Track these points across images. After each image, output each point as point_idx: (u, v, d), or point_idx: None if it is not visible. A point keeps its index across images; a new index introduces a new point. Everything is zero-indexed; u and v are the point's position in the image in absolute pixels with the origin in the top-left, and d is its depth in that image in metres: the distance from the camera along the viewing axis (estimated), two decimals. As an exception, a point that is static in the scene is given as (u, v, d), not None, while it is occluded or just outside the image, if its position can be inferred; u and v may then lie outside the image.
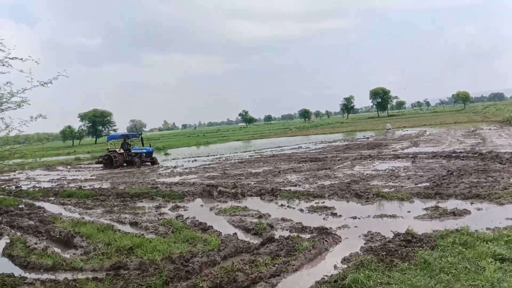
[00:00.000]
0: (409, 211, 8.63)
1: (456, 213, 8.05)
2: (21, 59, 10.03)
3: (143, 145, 29.09)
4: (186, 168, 22.04)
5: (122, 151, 27.34)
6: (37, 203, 13.75)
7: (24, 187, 18.75)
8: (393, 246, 6.10)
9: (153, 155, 27.88)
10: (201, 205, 11.54)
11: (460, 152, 17.52)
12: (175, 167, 23.59)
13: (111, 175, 22.05)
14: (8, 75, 10.18)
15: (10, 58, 9.94)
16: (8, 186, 20.01)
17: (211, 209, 10.72)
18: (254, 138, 57.74)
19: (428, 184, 11.29)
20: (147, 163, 26.74)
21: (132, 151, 27.44)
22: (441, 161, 15.62)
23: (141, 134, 31.65)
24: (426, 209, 8.64)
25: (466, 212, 8.13)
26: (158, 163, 26.78)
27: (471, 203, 8.82)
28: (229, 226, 8.80)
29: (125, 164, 26.93)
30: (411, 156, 18.03)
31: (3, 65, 9.94)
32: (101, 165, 27.37)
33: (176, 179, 17.56)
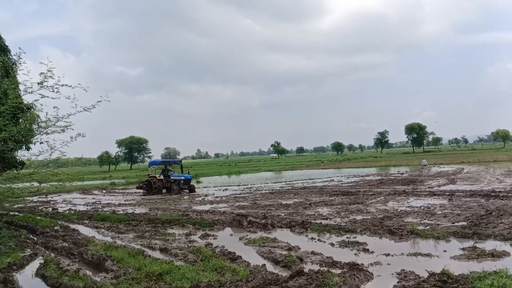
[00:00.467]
0: (445, 251, 8.32)
1: (494, 255, 7.71)
2: (70, 86, 10.53)
3: (182, 172, 29.27)
4: (217, 197, 22.16)
5: (162, 177, 27.55)
6: (72, 226, 14.10)
7: (60, 210, 19.29)
8: (428, 286, 5.88)
9: (191, 183, 27.92)
10: (231, 235, 11.52)
11: (500, 192, 16.85)
12: (206, 195, 23.77)
13: (144, 200, 22.40)
14: (54, 101, 10.68)
15: (60, 85, 10.44)
16: (45, 207, 20.64)
17: (240, 239, 10.68)
18: (286, 170, 57.66)
19: (465, 223, 10.88)
20: (185, 190, 26.74)
21: (171, 177, 27.52)
22: (480, 200, 15.07)
23: (181, 161, 31.89)
24: (463, 249, 8.31)
25: (505, 253, 7.77)
26: (195, 191, 26.68)
27: (511, 245, 8.44)
28: (258, 257, 8.72)
29: (164, 191, 27.05)
30: (447, 193, 17.49)
31: (53, 91, 10.45)
32: (141, 190, 27.52)
33: (207, 207, 17.65)
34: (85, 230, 13.17)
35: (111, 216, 15.28)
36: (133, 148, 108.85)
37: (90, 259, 8.75)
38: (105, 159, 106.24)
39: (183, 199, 22.48)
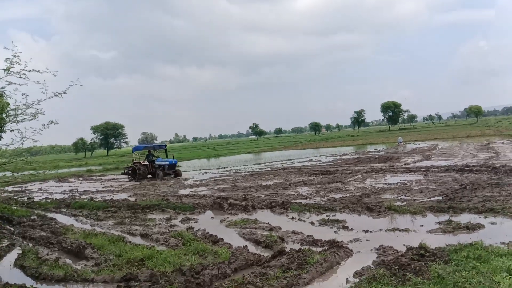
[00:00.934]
0: (421, 225, 8.53)
1: (469, 227, 7.94)
2: (38, 71, 10.19)
3: (167, 157, 28.51)
4: (196, 181, 22.09)
5: (146, 162, 26.79)
6: (49, 214, 13.85)
7: (36, 199, 18.91)
8: (406, 260, 6.02)
9: (176, 167, 27.07)
10: (212, 218, 11.53)
11: (473, 166, 17.32)
12: (185, 179, 23.66)
13: (123, 187, 22.14)
14: (24, 87, 10.35)
15: (27, 71, 10.09)
16: (20, 197, 20.19)
17: (221, 221, 10.70)
18: (265, 151, 57.77)
19: (441, 198, 11.17)
20: (171, 175, 25.96)
21: (156, 163, 26.78)
22: (454, 175, 15.45)
23: (166, 145, 30.91)
24: (439, 223, 8.53)
25: (480, 226, 8.02)
26: (181, 176, 25.95)
27: (485, 217, 8.70)
28: (239, 238, 8.77)
29: (149, 176, 26.37)
30: (423, 169, 17.87)
31: (20, 77, 10.09)
32: (126, 176, 26.96)
33: (187, 191, 17.59)
34: (63, 219, 12.96)
35: (89, 203, 15.06)
36: (109, 134, 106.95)
37: (69, 247, 8.64)
38: (80, 146, 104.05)
39: (164, 184, 22.28)
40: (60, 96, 10.88)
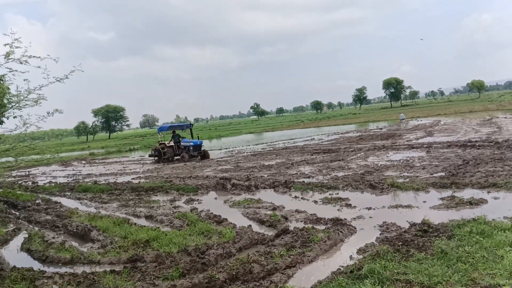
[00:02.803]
0: (424, 201, 8.55)
1: (472, 203, 7.95)
2: (39, 57, 10.04)
3: (192, 137, 26.40)
4: (199, 161, 22.11)
5: (172, 143, 24.90)
6: (54, 198, 13.95)
7: (40, 183, 19.03)
8: (409, 236, 6.06)
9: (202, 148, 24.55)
10: (215, 198, 11.59)
11: (476, 141, 17.27)
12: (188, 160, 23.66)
13: (128, 169, 22.20)
14: (24, 72, 10.21)
15: (28, 57, 9.94)
16: (24, 182, 20.32)
17: (225, 201, 10.76)
18: (266, 131, 57.74)
19: (443, 173, 11.16)
20: (197, 158, 23.86)
21: (182, 144, 24.81)
22: (457, 151, 15.42)
23: (192, 124, 28.33)
24: (442, 198, 8.55)
25: (483, 201, 8.02)
26: (209, 157, 23.67)
27: (488, 192, 8.71)
28: (243, 218, 8.82)
29: (177, 158, 24.37)
30: (425, 146, 17.84)
31: (21, 63, 9.94)
32: (152, 158, 25.36)
33: (189, 172, 17.63)
34: (67, 202, 13.05)
35: (93, 186, 15.13)
36: (110, 117, 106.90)
37: (75, 230, 8.71)
38: (82, 129, 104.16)
39: (169, 166, 22.30)
40: (61, 81, 10.76)
